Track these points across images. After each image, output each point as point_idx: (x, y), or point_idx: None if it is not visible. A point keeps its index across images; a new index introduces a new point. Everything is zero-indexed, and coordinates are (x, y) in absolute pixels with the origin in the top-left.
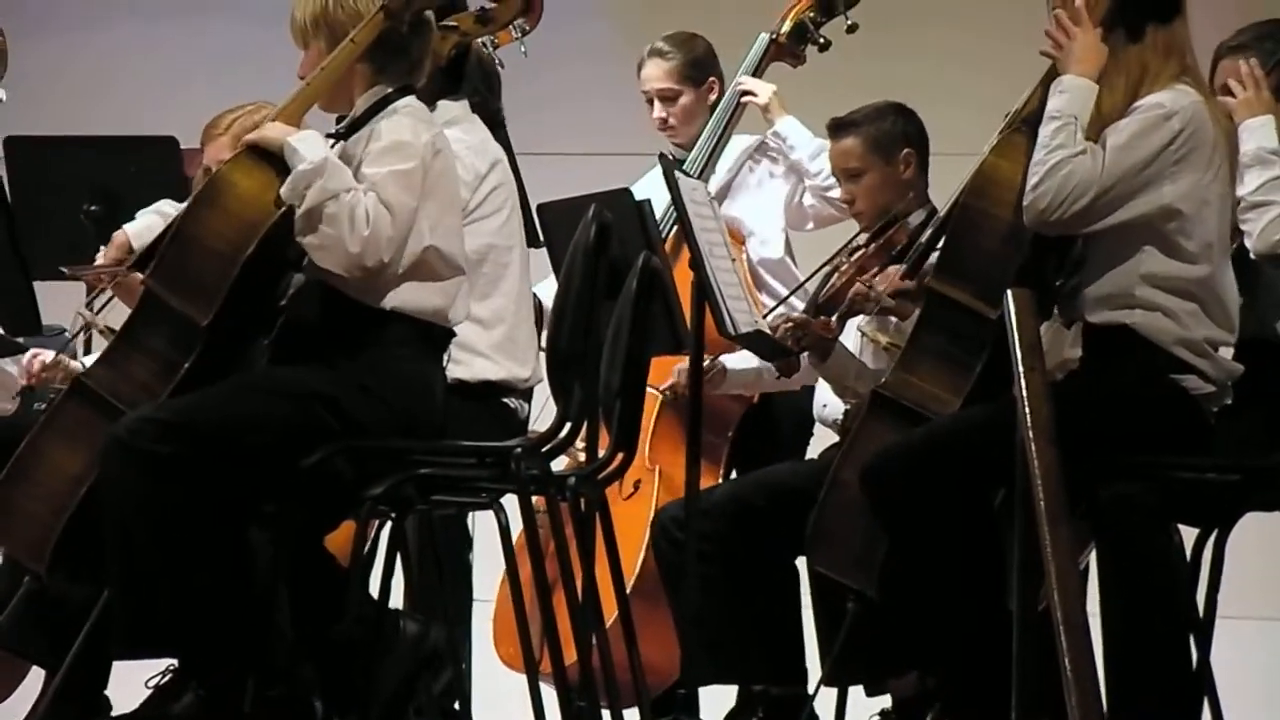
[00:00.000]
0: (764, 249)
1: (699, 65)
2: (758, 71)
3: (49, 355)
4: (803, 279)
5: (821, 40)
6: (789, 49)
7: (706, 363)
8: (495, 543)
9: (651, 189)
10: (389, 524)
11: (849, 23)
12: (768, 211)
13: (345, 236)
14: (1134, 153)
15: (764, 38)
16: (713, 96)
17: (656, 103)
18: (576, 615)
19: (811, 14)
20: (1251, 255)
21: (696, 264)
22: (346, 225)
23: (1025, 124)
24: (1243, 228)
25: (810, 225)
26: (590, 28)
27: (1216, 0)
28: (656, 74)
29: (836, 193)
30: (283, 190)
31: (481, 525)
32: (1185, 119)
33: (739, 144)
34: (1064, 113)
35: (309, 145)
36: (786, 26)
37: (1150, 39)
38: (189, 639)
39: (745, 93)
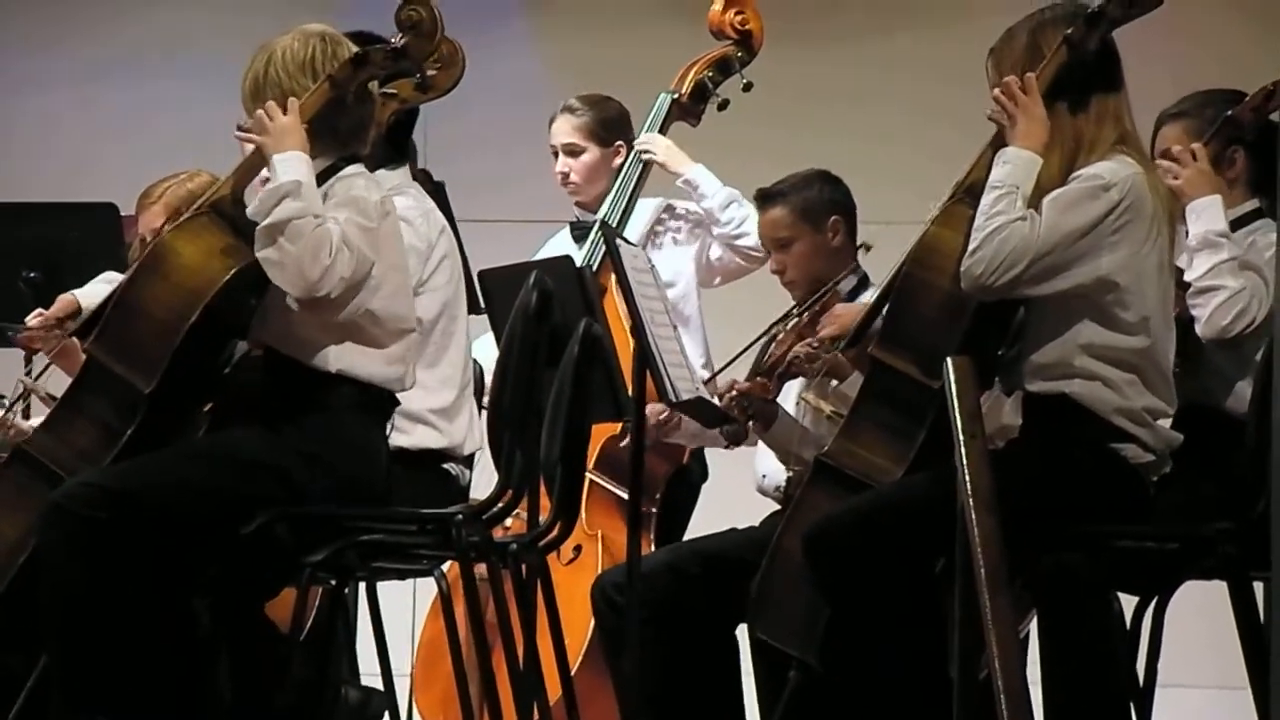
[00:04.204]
0: (680, 306)
1: (607, 126)
2: (661, 131)
3: None
4: (740, 349)
5: (720, 98)
6: (690, 108)
7: (664, 414)
8: (405, 616)
9: (557, 253)
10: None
11: (744, 81)
12: (679, 272)
13: (305, 257)
14: (1071, 220)
15: (665, 98)
16: (618, 160)
17: (560, 156)
18: (518, 682)
19: (710, 73)
20: (1201, 340)
21: (638, 331)
22: (309, 247)
23: (968, 194)
24: (1192, 312)
25: (718, 280)
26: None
27: (1156, 68)
28: (564, 128)
29: (746, 240)
30: (250, 207)
31: (392, 597)
32: (1124, 190)
33: (646, 206)
34: (1006, 183)
35: (290, 165)
36: (687, 86)
37: (1088, 110)
38: (128, 706)
39: (643, 150)
